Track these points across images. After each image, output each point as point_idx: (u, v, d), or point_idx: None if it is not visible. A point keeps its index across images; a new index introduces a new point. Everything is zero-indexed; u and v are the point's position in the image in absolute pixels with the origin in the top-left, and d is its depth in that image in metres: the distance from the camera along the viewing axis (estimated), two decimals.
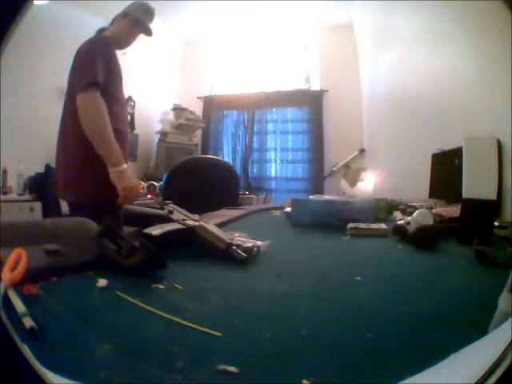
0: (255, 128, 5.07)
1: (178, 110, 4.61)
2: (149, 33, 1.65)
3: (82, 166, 1.41)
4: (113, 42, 1.53)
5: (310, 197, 1.51)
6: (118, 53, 1.56)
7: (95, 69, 1.36)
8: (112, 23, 1.62)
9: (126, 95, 1.70)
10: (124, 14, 1.59)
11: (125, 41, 1.61)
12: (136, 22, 1.59)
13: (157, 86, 4.58)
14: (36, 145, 2.80)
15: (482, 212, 0.87)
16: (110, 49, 1.49)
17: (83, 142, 1.37)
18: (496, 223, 0.98)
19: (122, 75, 1.55)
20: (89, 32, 1.58)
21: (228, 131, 5.18)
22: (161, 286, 0.54)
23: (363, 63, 4.37)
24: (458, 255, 0.82)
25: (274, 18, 4.46)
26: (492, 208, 0.88)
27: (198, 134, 5.02)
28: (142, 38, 1.65)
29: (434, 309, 0.49)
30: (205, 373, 0.33)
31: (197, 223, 0.79)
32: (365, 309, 0.49)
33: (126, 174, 1.39)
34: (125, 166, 1.40)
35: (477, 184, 0.88)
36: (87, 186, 1.40)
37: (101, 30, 1.60)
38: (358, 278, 0.60)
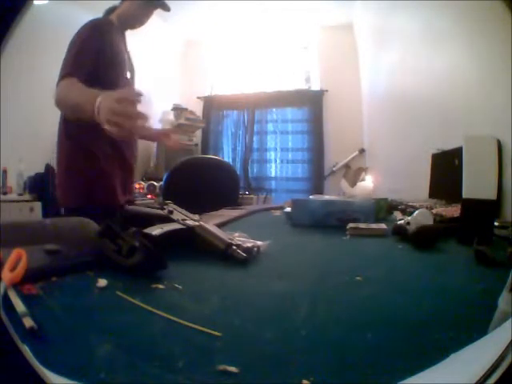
0: (255, 128, 5.08)
1: (177, 109, 4.61)
2: (166, 8, 1.45)
3: (67, 171, 1.38)
4: (122, 24, 1.41)
5: (310, 197, 1.51)
6: None
7: (73, 63, 1.23)
8: (123, 0, 1.44)
9: None
10: None
11: (138, 21, 1.44)
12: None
13: (157, 85, 4.58)
14: (36, 145, 2.80)
15: (482, 212, 0.87)
16: (101, 35, 1.32)
17: (68, 147, 1.35)
18: (496, 223, 0.98)
19: (122, 62, 1.43)
20: None
21: (228, 131, 5.18)
22: (161, 286, 0.54)
23: (363, 63, 4.37)
24: (458, 255, 0.82)
25: (274, 18, 4.46)
26: (492, 208, 0.88)
27: (198, 134, 5.02)
28: (142, 37, 1.61)
29: (434, 309, 0.49)
30: (205, 373, 0.33)
31: (197, 223, 0.79)
32: (365, 309, 0.49)
33: (99, 105, 0.92)
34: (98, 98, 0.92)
35: (477, 184, 0.88)
36: (72, 190, 1.36)
37: (109, 10, 1.45)
38: (358, 278, 0.60)
